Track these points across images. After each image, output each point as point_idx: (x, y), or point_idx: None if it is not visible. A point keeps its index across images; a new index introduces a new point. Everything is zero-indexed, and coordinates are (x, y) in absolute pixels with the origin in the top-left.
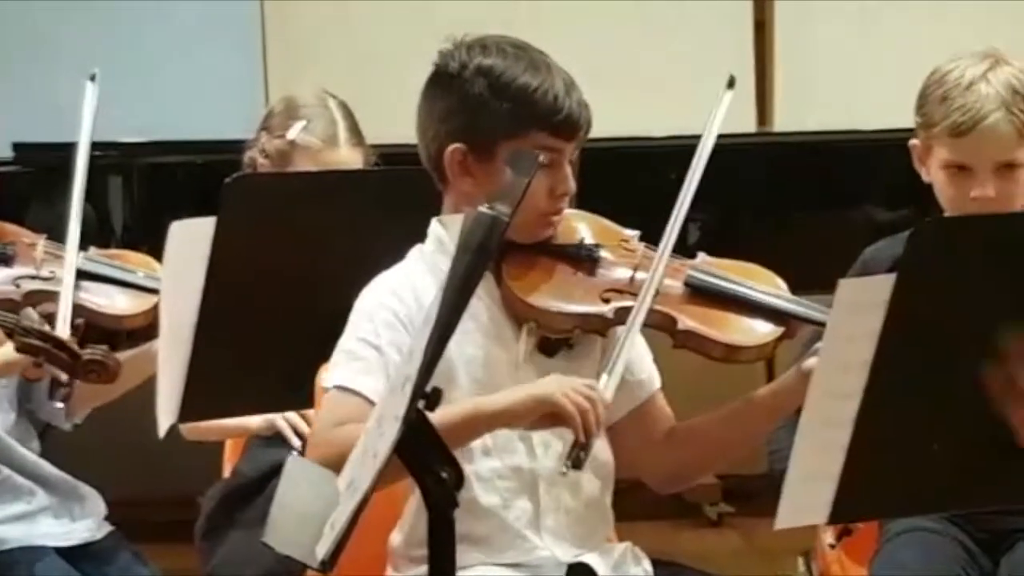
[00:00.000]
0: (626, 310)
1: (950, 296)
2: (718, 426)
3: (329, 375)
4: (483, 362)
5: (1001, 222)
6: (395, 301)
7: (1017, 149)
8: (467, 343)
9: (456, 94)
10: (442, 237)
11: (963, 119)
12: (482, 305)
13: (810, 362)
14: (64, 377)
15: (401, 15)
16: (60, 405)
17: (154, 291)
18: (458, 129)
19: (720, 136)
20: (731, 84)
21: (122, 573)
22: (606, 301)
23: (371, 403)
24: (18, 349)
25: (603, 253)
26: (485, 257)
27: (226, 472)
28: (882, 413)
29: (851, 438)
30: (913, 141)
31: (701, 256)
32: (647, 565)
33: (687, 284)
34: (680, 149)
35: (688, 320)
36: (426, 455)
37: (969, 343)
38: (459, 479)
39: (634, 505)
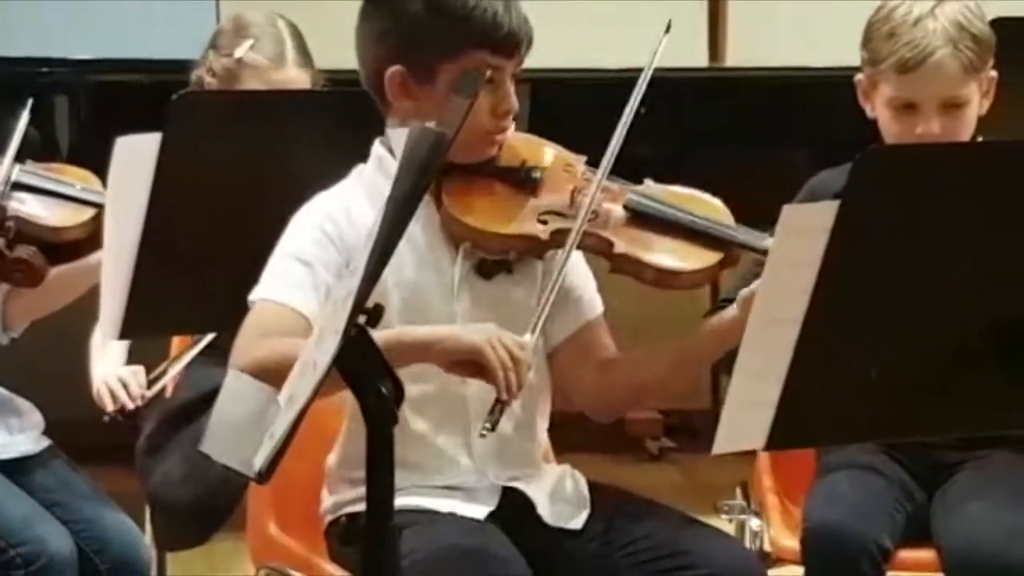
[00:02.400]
0: (562, 232)
1: (892, 224)
2: (658, 358)
3: (257, 289)
4: (415, 284)
5: (944, 151)
6: (326, 221)
7: (963, 86)
8: (401, 264)
9: (392, 15)
10: (383, 157)
11: (910, 55)
12: (418, 227)
13: (746, 291)
14: None
15: None
16: None
17: (91, 204)
18: (396, 51)
19: (671, 70)
20: (668, 29)
21: (61, 484)
22: (543, 223)
23: (300, 315)
24: None
25: (544, 176)
26: (428, 173)
27: (167, 393)
28: (821, 340)
29: (790, 364)
30: (858, 77)
31: (647, 182)
32: (583, 487)
33: (627, 207)
34: (632, 82)
35: (624, 244)
36: (366, 370)
37: (909, 271)
38: (399, 394)
39: (575, 438)
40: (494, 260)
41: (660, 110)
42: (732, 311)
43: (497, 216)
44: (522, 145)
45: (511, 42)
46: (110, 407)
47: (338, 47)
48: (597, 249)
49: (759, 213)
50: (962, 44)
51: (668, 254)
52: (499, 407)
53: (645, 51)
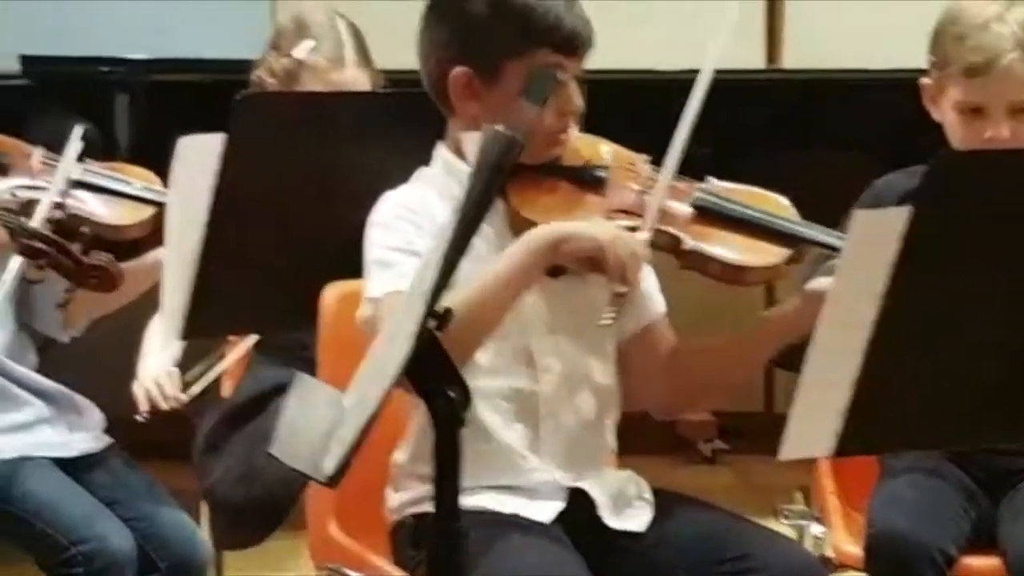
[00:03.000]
0: (631, 231)
1: (965, 231)
2: (721, 351)
3: (375, 285)
4: None
5: (1018, 157)
6: (409, 212)
7: None
8: (475, 262)
9: (457, 16)
10: (449, 160)
11: (978, 59)
12: (489, 225)
13: (814, 283)
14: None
15: None
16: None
17: (151, 202)
18: (461, 52)
19: (728, 72)
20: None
21: (121, 484)
22: (611, 222)
23: None
24: (21, 251)
25: (609, 175)
26: (500, 175)
27: (224, 391)
28: (891, 346)
29: (859, 370)
30: (924, 80)
31: (710, 179)
32: (648, 495)
33: (694, 206)
34: (686, 84)
35: (693, 240)
36: (434, 374)
37: (982, 279)
38: (466, 399)
39: (628, 440)
40: None
41: (717, 110)
42: (793, 303)
43: (565, 215)
44: (583, 144)
45: (575, 40)
46: (144, 407)
47: (399, 47)
48: (666, 246)
49: (816, 215)
50: None
51: (737, 250)
52: (619, 299)
53: (702, 52)
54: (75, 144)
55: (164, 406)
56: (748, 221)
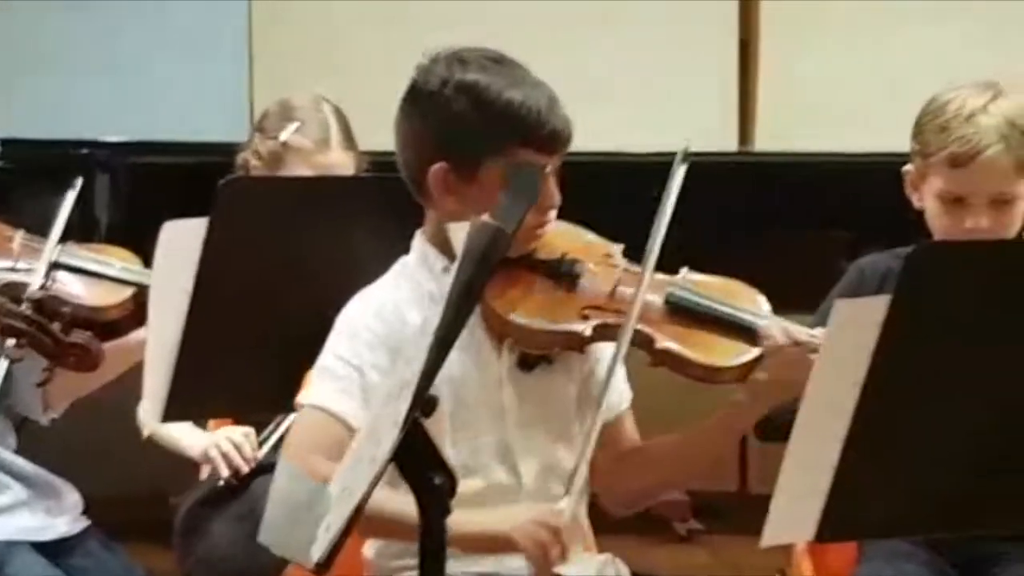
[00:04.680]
0: (605, 327)
1: (944, 319)
2: (677, 447)
3: (307, 392)
4: (463, 379)
5: (997, 249)
6: (377, 322)
7: (1014, 183)
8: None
9: (437, 111)
10: (425, 252)
11: (962, 150)
12: None
13: (760, 375)
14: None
15: (385, 18)
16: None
17: (131, 283)
18: (440, 147)
19: (701, 154)
20: (685, 158)
21: (100, 567)
22: (585, 318)
23: (348, 427)
24: (2, 330)
25: (584, 268)
26: (487, 267)
27: (203, 473)
28: (872, 433)
29: (840, 456)
30: (907, 167)
31: (683, 272)
32: None
33: (667, 301)
34: (661, 166)
35: (666, 339)
36: (421, 461)
37: (961, 368)
38: (452, 486)
39: (602, 520)
40: (536, 353)
41: (689, 193)
42: (740, 397)
43: (540, 313)
44: (559, 235)
45: (556, 140)
46: (225, 471)
47: (382, 128)
48: (639, 343)
49: (789, 298)
50: (1014, 141)
51: (709, 349)
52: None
53: (674, 133)
54: (58, 227)
55: (246, 468)
56: (721, 318)
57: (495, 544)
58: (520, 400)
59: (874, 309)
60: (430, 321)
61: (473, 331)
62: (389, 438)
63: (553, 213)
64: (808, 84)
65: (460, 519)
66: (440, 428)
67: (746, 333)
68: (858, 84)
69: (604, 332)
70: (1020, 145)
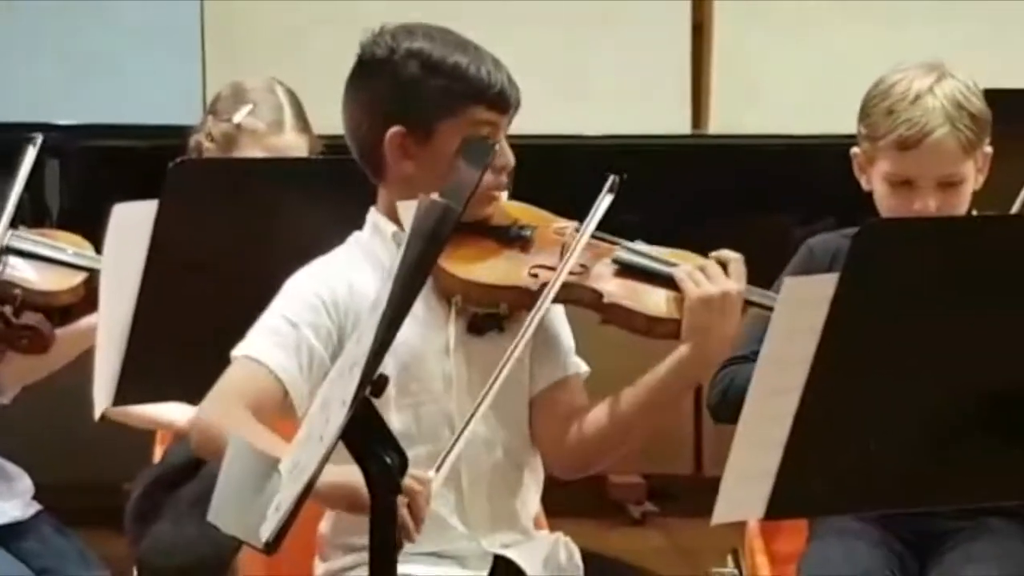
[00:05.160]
0: (547, 269)
1: (891, 296)
2: (621, 405)
3: (241, 344)
4: (412, 349)
5: (945, 225)
6: (323, 286)
7: (961, 164)
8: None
9: (388, 78)
10: (379, 223)
11: (909, 133)
12: None
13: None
14: None
15: (336, 15)
16: None
17: (83, 268)
18: (393, 113)
19: (654, 136)
20: (612, 188)
21: (52, 551)
22: (533, 276)
23: (276, 377)
24: None
25: (535, 234)
26: (437, 244)
27: (155, 457)
28: (821, 410)
29: (789, 434)
30: (855, 150)
31: (637, 243)
32: (577, 558)
33: (614, 261)
34: (613, 149)
35: (613, 294)
36: (371, 440)
37: (910, 343)
38: (403, 464)
39: (556, 502)
40: (485, 315)
41: (644, 177)
42: (683, 347)
43: (487, 268)
44: (514, 209)
45: (505, 98)
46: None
47: (336, 112)
48: (587, 301)
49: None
50: (961, 123)
51: (657, 303)
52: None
53: (628, 117)
54: (8, 211)
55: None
56: (666, 276)
57: (347, 496)
58: (468, 367)
59: (823, 286)
60: (380, 299)
61: (426, 298)
62: (338, 416)
63: (506, 174)
64: (761, 67)
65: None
66: (384, 395)
67: (672, 284)
68: (809, 67)
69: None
70: (966, 127)
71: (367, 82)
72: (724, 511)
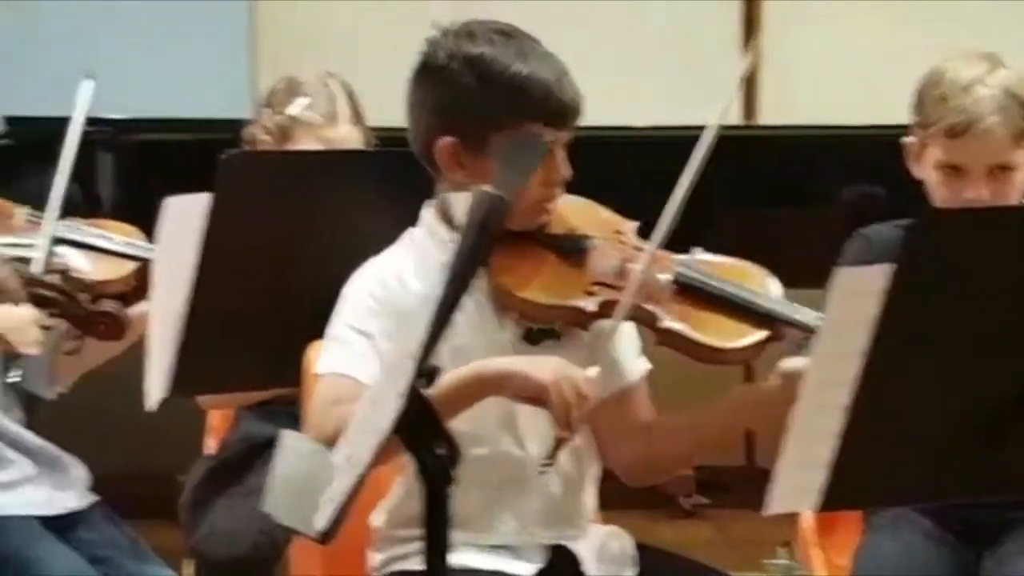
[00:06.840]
0: (610, 304)
1: (947, 288)
2: (695, 425)
3: (320, 361)
4: (466, 351)
5: (1001, 215)
6: (378, 288)
7: (1011, 152)
8: (452, 331)
9: (445, 86)
10: (432, 225)
11: (959, 120)
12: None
13: (789, 363)
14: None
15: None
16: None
17: (132, 257)
18: (448, 122)
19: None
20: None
21: (106, 542)
22: (590, 295)
23: (366, 387)
24: (33, 300)
25: (594, 244)
26: (486, 234)
27: (207, 448)
28: (875, 401)
29: (843, 426)
30: (907, 139)
31: (697, 251)
32: (632, 550)
33: (675, 281)
34: (665, 140)
35: (670, 319)
36: (423, 432)
37: (964, 335)
38: (455, 456)
39: (608, 495)
40: (540, 329)
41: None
42: (771, 383)
43: (544, 288)
44: (572, 211)
45: (563, 114)
46: None
47: (391, 105)
48: (643, 321)
49: (794, 272)
50: (1011, 111)
51: (714, 330)
52: (559, 443)
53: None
54: (55, 200)
55: None
56: (728, 299)
57: (519, 387)
58: None
59: (875, 277)
60: (433, 292)
61: (480, 306)
62: (391, 409)
63: (561, 188)
64: (811, 58)
65: (482, 364)
66: None
67: (752, 315)
68: (860, 57)
69: (609, 310)
70: (1017, 115)
71: (425, 86)
72: (777, 503)
